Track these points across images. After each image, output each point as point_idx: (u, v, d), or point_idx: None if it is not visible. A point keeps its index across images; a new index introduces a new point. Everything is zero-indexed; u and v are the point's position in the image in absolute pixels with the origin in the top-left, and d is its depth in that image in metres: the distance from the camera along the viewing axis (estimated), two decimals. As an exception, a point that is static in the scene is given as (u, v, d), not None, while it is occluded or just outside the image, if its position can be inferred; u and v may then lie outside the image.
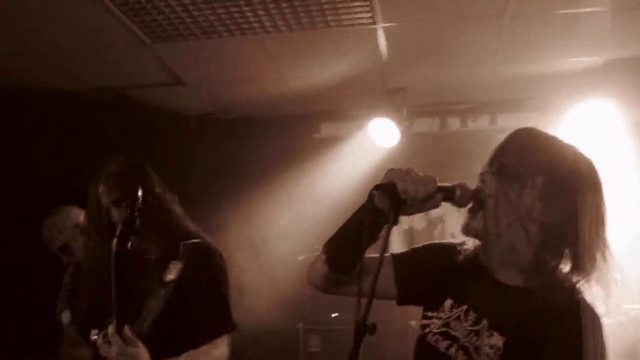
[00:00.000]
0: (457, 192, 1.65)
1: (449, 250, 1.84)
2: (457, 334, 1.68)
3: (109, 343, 2.21)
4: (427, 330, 1.74)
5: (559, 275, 1.61)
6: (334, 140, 5.55)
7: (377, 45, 4.31)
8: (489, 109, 5.37)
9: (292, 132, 5.61)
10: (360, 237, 1.63)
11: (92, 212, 2.61)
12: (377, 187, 1.60)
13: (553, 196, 1.60)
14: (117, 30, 3.99)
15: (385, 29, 4.09)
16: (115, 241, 2.20)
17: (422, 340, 1.75)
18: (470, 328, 1.66)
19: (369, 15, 3.88)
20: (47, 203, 3.71)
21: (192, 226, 2.65)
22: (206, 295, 2.49)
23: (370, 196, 1.62)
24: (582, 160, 1.67)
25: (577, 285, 1.61)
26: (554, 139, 1.70)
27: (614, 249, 1.62)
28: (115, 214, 2.54)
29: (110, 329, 2.22)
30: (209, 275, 2.51)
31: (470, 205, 1.68)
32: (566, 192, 1.60)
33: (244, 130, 5.65)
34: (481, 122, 5.39)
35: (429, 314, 1.77)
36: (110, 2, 3.63)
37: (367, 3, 3.73)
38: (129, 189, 2.44)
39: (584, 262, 1.59)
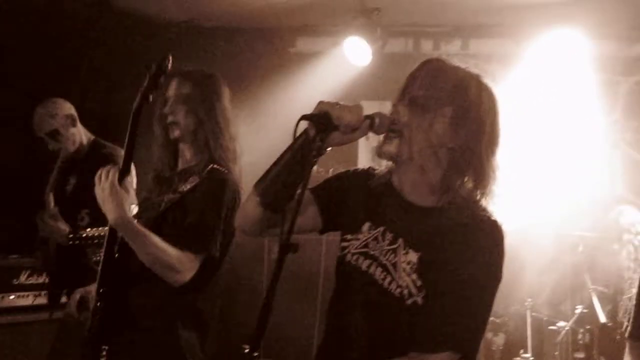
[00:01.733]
0: (377, 120, 1.75)
1: (363, 175, 1.97)
2: (376, 253, 1.82)
3: (103, 177, 2.42)
4: (346, 251, 1.88)
5: (463, 193, 1.78)
6: (309, 56, 5.61)
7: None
8: (462, 34, 5.43)
9: (268, 44, 5.66)
10: (294, 171, 1.75)
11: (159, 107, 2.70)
12: (307, 117, 1.70)
13: (460, 123, 1.75)
14: None
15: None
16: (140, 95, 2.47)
17: (342, 260, 1.88)
18: (387, 247, 1.80)
19: None
20: (34, 99, 3.80)
21: (231, 153, 2.67)
22: (201, 210, 2.49)
23: (299, 127, 1.71)
24: (483, 89, 1.81)
25: (480, 202, 1.79)
26: (459, 70, 1.82)
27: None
28: (173, 109, 2.65)
29: (113, 169, 2.44)
30: (212, 196, 2.51)
31: (386, 130, 1.79)
32: (471, 119, 1.75)
33: (221, 41, 5.68)
34: (453, 46, 5.44)
35: (348, 236, 1.89)
36: None
37: None
38: (202, 91, 2.64)
39: (483, 180, 1.77)
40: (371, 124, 1.74)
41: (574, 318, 4.33)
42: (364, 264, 1.82)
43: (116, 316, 2.48)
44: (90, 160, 3.73)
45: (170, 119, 2.64)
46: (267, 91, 5.41)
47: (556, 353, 4.26)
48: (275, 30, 5.65)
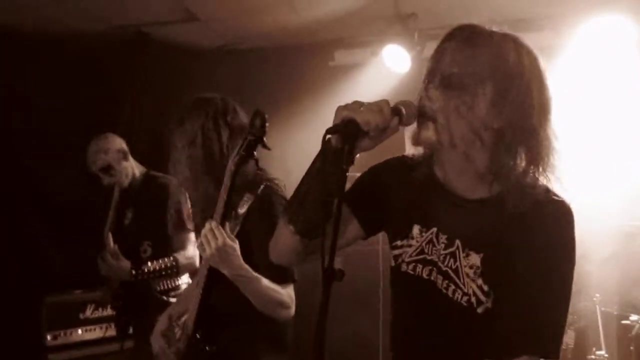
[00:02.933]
0: (404, 112, 1.54)
1: (399, 167, 1.77)
2: (434, 257, 1.64)
3: (213, 234, 2.25)
4: (401, 260, 1.70)
5: (518, 177, 1.56)
6: (349, 68, 5.59)
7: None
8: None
9: (307, 61, 5.65)
10: (326, 189, 1.53)
11: (210, 133, 2.58)
12: (333, 130, 1.48)
13: (504, 99, 1.52)
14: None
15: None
16: (236, 156, 2.32)
17: (397, 270, 1.71)
18: (444, 251, 1.63)
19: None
20: (80, 135, 3.92)
21: (266, 172, 2.60)
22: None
23: (325, 140, 1.49)
24: (524, 52, 1.58)
25: (539, 182, 1.57)
26: (493, 35, 1.57)
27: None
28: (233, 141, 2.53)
29: (213, 223, 2.28)
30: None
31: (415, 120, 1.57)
32: (515, 92, 1.53)
33: (258, 61, 5.70)
34: (491, 44, 5.36)
35: (398, 242, 1.72)
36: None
37: None
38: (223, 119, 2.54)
39: (540, 155, 1.56)
40: (400, 118, 1.53)
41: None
42: (425, 272, 1.66)
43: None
44: (145, 192, 3.82)
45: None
46: (309, 107, 5.40)
47: (632, 348, 4.10)
48: (312, 46, 5.65)
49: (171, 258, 3.52)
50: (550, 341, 1.54)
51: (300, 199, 1.66)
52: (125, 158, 3.83)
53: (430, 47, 5.91)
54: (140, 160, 3.98)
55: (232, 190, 2.37)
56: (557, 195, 1.58)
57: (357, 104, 1.50)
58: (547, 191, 1.58)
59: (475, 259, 1.58)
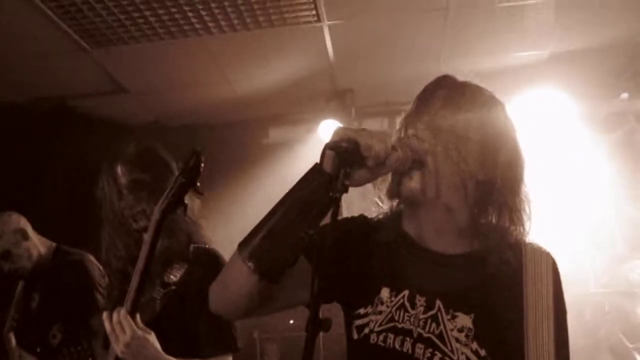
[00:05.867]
0: (400, 153, 1.40)
1: (361, 226, 1.61)
2: (407, 325, 1.44)
3: (120, 327, 2.03)
4: (367, 330, 1.48)
5: (501, 231, 1.49)
6: (283, 145, 5.48)
7: (323, 44, 4.28)
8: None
9: (240, 138, 5.53)
10: (305, 220, 1.35)
11: (110, 196, 2.37)
12: (333, 146, 1.33)
13: (490, 152, 1.47)
14: (55, 37, 3.88)
15: (331, 27, 4.05)
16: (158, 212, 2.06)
17: (364, 343, 1.48)
18: (423, 316, 1.44)
19: (313, 12, 3.84)
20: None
21: (204, 230, 2.40)
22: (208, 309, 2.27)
23: (316, 163, 1.37)
24: (509, 116, 1.57)
25: (517, 237, 1.50)
26: (483, 91, 1.55)
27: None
28: (129, 199, 2.31)
29: (123, 312, 2.05)
30: None
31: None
32: (501, 148, 1.49)
33: (189, 139, 5.51)
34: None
35: (362, 311, 1.50)
36: (46, 8, 3.50)
37: (311, 0, 3.68)
38: (152, 169, 2.31)
39: (520, 215, 1.50)
40: (396, 156, 1.39)
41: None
42: (397, 343, 1.44)
43: None
44: (55, 272, 3.42)
45: (132, 210, 2.32)
46: (240, 185, 5.25)
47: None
48: (246, 123, 5.53)
49: (84, 344, 3.13)
50: None
51: (268, 230, 1.39)
52: (25, 237, 3.41)
53: (367, 124, 5.93)
54: (57, 234, 3.61)
55: (156, 242, 2.10)
56: (538, 245, 1.51)
57: (361, 128, 1.38)
58: (528, 243, 1.50)
59: (465, 320, 1.41)
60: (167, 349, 2.16)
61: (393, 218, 1.57)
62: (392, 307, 1.47)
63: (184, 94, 5.03)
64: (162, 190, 2.26)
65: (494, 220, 1.49)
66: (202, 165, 2.05)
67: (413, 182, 1.45)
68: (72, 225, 3.94)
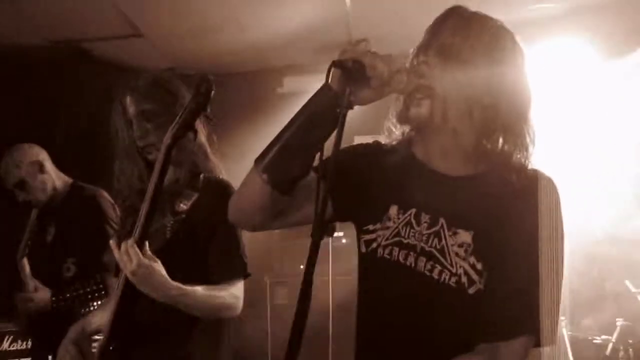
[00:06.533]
0: (405, 76, 1.47)
1: (374, 150, 1.69)
2: (412, 240, 1.54)
3: (128, 256, 2.04)
4: (375, 245, 1.59)
5: (501, 157, 1.54)
6: (297, 95, 5.44)
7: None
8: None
9: (254, 87, 5.53)
10: (314, 135, 1.44)
11: (120, 128, 2.36)
12: (340, 64, 1.40)
13: (496, 78, 1.51)
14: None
15: (348, -27, 4.02)
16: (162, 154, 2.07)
17: (371, 256, 1.59)
18: (427, 231, 1.53)
19: (331, -44, 3.80)
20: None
21: (217, 161, 2.40)
22: (223, 235, 2.26)
23: (324, 83, 1.43)
24: (518, 44, 1.59)
25: (520, 162, 1.55)
26: (492, 20, 1.59)
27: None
28: (139, 130, 2.30)
29: (130, 242, 2.06)
30: (225, 213, 2.31)
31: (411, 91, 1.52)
32: (507, 74, 1.53)
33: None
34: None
35: (371, 227, 1.61)
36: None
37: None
38: (161, 100, 2.30)
39: (525, 144, 1.54)
40: (400, 79, 1.44)
41: (617, 330, 4.02)
42: (401, 256, 1.54)
43: None
44: (69, 206, 3.46)
45: (142, 142, 2.32)
46: (256, 134, 5.21)
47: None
48: (261, 72, 5.53)
49: (97, 278, 3.18)
50: (546, 326, 1.45)
51: (281, 145, 1.49)
52: (42, 170, 3.45)
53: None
54: (74, 171, 3.66)
55: (166, 168, 2.11)
56: (540, 171, 1.55)
57: (366, 49, 1.43)
58: (535, 170, 1.55)
59: (466, 236, 1.50)
60: (177, 275, 2.17)
61: (404, 143, 1.64)
62: (399, 223, 1.56)
63: (199, 40, 5.02)
64: (172, 121, 2.29)
65: (499, 145, 1.53)
66: (213, 91, 2.04)
67: (421, 108, 1.51)
68: (86, 164, 3.99)
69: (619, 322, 4.07)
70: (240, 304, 2.26)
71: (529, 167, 1.55)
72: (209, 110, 2.06)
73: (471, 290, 1.47)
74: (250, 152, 4.90)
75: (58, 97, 4.72)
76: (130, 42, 4.92)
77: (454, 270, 1.48)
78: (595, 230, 4.41)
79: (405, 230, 1.55)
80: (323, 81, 1.40)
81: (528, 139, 1.55)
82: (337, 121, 1.38)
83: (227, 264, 2.27)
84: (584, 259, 4.28)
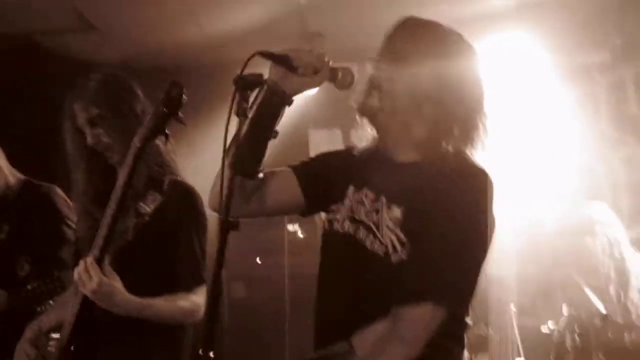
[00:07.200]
0: (340, 73, 1.71)
1: (345, 151, 1.94)
2: (360, 216, 1.76)
3: (87, 275, 2.07)
4: (334, 220, 1.82)
5: (450, 149, 1.72)
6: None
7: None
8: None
9: (210, 80, 5.49)
10: (261, 126, 1.69)
11: (70, 135, 2.39)
12: (264, 53, 1.67)
13: (444, 77, 1.71)
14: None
15: (302, -33, 4.04)
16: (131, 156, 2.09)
17: (329, 231, 1.83)
18: (370, 207, 1.75)
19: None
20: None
21: (176, 163, 2.44)
22: (186, 241, 2.32)
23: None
24: (465, 45, 1.79)
25: (466, 153, 1.75)
26: (440, 26, 1.80)
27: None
28: (90, 136, 2.32)
29: (89, 260, 2.09)
30: (194, 219, 2.35)
31: (350, 87, 1.74)
32: (454, 73, 1.73)
33: (159, 80, 5.46)
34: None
35: (333, 206, 1.84)
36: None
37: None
38: (109, 103, 2.31)
39: (471, 137, 1.74)
40: (334, 75, 1.71)
41: (563, 319, 4.14)
42: (351, 229, 1.77)
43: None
44: (23, 204, 3.40)
45: (98, 147, 2.35)
46: (214, 125, 5.21)
47: (551, 356, 4.09)
48: (216, 65, 5.48)
49: (54, 274, 3.16)
50: (454, 296, 1.66)
51: (242, 138, 1.67)
52: None
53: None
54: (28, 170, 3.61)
55: (134, 172, 2.13)
56: (476, 164, 1.74)
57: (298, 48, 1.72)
58: (469, 159, 1.75)
59: (397, 211, 1.70)
60: (137, 277, 2.22)
61: (372, 142, 1.86)
62: (354, 201, 1.80)
63: (153, 34, 5.00)
64: (124, 122, 2.30)
65: (448, 137, 1.73)
66: (184, 95, 2.10)
67: (373, 100, 1.74)
68: (39, 160, 3.92)
69: (566, 310, 4.21)
70: (201, 310, 2.29)
71: (479, 156, 1.75)
72: (180, 114, 2.11)
73: (394, 259, 1.66)
74: (208, 143, 4.88)
75: (11, 91, 4.63)
76: (83, 36, 4.87)
77: (383, 241, 1.68)
78: (544, 221, 4.54)
79: (357, 207, 1.78)
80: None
81: (478, 132, 1.75)
82: (278, 111, 1.70)
83: (188, 271, 2.31)
84: (534, 251, 4.41)
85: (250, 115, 1.68)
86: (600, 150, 4.76)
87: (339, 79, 1.70)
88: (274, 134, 1.72)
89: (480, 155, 1.77)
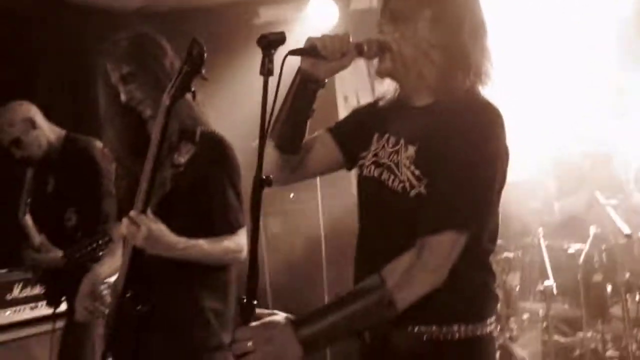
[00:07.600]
0: (365, 47, 1.81)
1: (374, 102, 2.05)
2: (383, 159, 1.89)
3: (136, 226, 2.20)
4: (363, 167, 1.96)
5: (461, 85, 1.82)
6: (274, 24, 5.44)
7: None
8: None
9: (230, 19, 5.49)
10: (299, 108, 1.86)
11: (104, 93, 2.51)
12: (294, 52, 1.75)
13: (441, 22, 1.81)
14: None
15: None
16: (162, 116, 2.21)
17: (361, 176, 1.96)
18: (391, 150, 1.88)
19: None
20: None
21: (206, 115, 2.52)
22: (221, 188, 2.43)
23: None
24: None
25: (476, 90, 1.84)
26: None
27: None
28: (124, 93, 2.44)
29: (133, 212, 2.23)
30: (227, 166, 2.46)
31: (377, 56, 1.85)
32: (450, 15, 1.82)
33: (179, 23, 5.46)
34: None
35: (363, 154, 1.97)
36: None
37: None
38: (140, 61, 2.41)
39: (478, 69, 1.83)
40: (360, 49, 1.80)
41: (590, 239, 4.23)
42: (376, 172, 1.89)
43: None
44: (65, 157, 3.61)
45: (132, 102, 2.45)
46: (235, 66, 5.24)
47: (579, 276, 4.18)
48: (236, 5, 5.48)
49: (100, 229, 3.34)
50: (471, 219, 1.74)
51: (277, 115, 1.86)
52: (34, 126, 3.57)
53: (357, 1, 5.86)
54: (65, 123, 3.77)
55: (166, 129, 2.24)
56: (484, 98, 1.83)
57: (320, 35, 1.78)
58: (478, 95, 1.84)
59: (411, 150, 1.82)
60: (178, 225, 2.32)
61: (394, 93, 1.98)
62: (378, 147, 1.93)
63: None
64: (154, 78, 2.40)
65: (459, 78, 1.82)
66: (205, 53, 2.18)
67: (386, 63, 1.86)
68: (74, 114, 4.04)
69: (593, 230, 4.30)
70: (244, 250, 2.42)
71: (496, 88, 1.85)
72: (203, 71, 2.20)
73: (412, 194, 1.77)
74: (233, 83, 4.92)
75: (37, 47, 4.69)
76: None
77: (401, 178, 1.81)
78: (568, 143, 4.56)
79: (381, 152, 1.92)
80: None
81: (485, 69, 1.84)
82: (314, 96, 1.85)
83: (226, 217, 2.42)
84: (559, 174, 4.45)
85: (288, 102, 1.85)
86: (627, 68, 4.67)
87: (365, 52, 1.80)
88: (312, 113, 1.87)
89: (501, 84, 1.86)
